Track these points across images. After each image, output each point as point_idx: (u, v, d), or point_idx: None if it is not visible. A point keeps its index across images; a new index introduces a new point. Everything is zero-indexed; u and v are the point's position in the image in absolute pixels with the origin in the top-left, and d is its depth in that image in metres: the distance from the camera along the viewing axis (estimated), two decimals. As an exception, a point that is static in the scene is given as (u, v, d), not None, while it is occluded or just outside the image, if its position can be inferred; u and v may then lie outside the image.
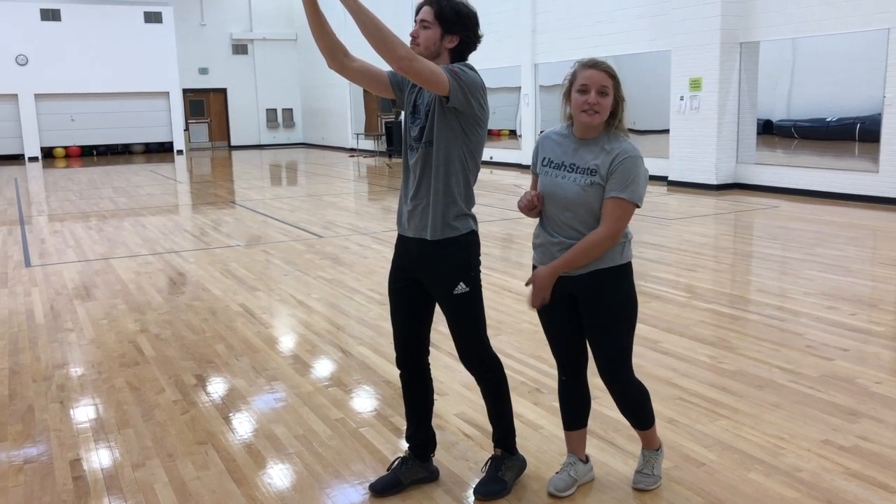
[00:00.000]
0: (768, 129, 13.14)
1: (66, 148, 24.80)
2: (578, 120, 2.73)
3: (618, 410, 2.99)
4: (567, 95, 2.75)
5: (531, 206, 2.82)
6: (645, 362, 4.42)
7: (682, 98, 12.97)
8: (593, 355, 2.89)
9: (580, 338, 2.91)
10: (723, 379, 4.18)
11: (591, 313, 2.80)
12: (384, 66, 2.79)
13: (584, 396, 3.03)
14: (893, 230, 8.78)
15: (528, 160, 15.94)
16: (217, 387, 4.28)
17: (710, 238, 8.68)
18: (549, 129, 2.93)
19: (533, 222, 2.91)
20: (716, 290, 6.14)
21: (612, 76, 2.69)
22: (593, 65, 2.69)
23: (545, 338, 3.03)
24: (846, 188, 11.09)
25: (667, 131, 13.48)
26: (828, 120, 12.46)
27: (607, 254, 2.74)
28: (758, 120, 12.79)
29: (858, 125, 11.68)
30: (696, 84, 12.67)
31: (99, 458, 3.41)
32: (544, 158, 2.85)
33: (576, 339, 2.91)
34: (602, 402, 3.54)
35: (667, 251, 7.75)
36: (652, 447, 3.05)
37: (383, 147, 21.97)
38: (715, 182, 12.58)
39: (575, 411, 3.03)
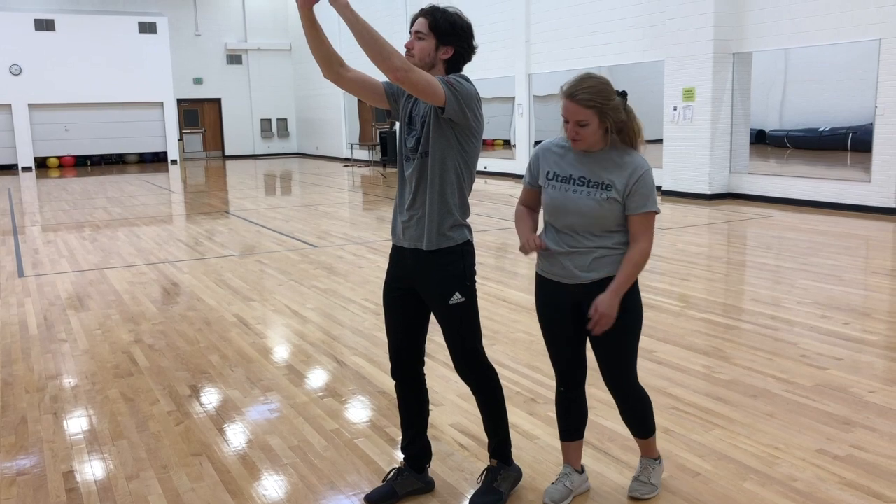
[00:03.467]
0: (761, 139, 13.24)
1: (59, 158, 24.74)
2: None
3: (613, 420, 3.00)
4: None
5: (538, 248, 2.79)
6: (640, 372, 4.37)
7: (675, 108, 13.03)
8: (598, 364, 2.89)
9: (582, 348, 2.90)
10: (717, 389, 4.19)
11: None
12: (380, 77, 2.80)
13: (582, 408, 3.02)
14: (886, 239, 8.82)
15: (521, 170, 16.01)
16: (211, 397, 4.27)
17: (704, 248, 8.70)
18: (548, 140, 2.92)
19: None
20: (710, 300, 6.16)
21: (591, 106, 2.60)
22: (570, 95, 2.62)
23: (540, 348, 3.03)
24: (839, 198, 11.14)
25: (660, 141, 13.53)
26: (820, 130, 12.55)
27: (613, 263, 2.75)
28: (751, 130, 12.86)
29: (850, 135, 11.77)
30: (689, 94, 12.73)
31: (92, 470, 3.39)
32: (549, 172, 2.82)
33: (578, 350, 2.91)
34: (597, 412, 3.54)
35: (660, 261, 7.77)
36: (651, 456, 3.05)
37: (377, 157, 21.99)
38: (708, 192, 12.62)
39: (573, 422, 3.03)
